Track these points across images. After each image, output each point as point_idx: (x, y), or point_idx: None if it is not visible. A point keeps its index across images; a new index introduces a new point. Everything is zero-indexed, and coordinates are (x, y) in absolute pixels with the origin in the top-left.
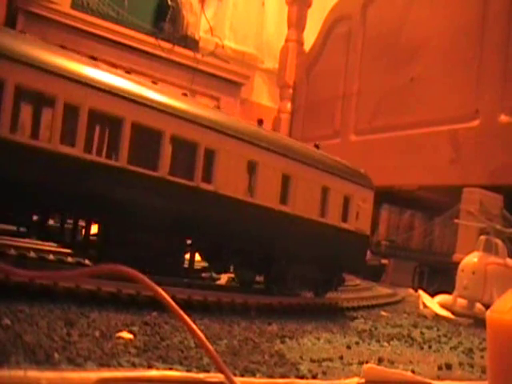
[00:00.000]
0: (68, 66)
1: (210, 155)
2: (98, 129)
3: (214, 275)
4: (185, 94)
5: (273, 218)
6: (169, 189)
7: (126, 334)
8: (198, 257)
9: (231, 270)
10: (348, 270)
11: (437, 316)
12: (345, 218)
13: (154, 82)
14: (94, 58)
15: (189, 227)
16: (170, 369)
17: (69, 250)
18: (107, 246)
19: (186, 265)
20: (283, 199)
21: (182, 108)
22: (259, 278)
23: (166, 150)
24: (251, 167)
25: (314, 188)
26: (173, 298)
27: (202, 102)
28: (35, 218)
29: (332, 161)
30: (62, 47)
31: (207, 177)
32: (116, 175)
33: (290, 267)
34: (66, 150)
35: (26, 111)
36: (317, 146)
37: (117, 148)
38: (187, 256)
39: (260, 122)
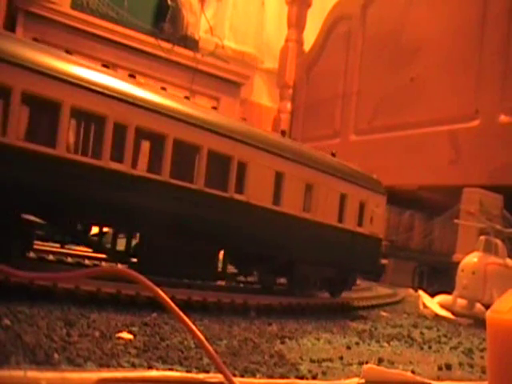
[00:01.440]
0: (117, 86)
1: (242, 167)
2: (142, 145)
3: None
4: (214, 108)
5: (296, 224)
6: (205, 200)
7: (125, 335)
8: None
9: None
10: (363, 272)
11: (437, 316)
12: (360, 223)
13: (187, 97)
14: (132, 76)
15: (223, 235)
16: (170, 369)
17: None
18: (148, 254)
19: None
20: (306, 207)
21: (218, 123)
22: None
23: (203, 163)
24: (278, 178)
25: (333, 195)
26: (172, 298)
27: (235, 118)
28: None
29: (349, 169)
30: (105, 66)
31: (239, 188)
32: (159, 189)
33: (310, 270)
34: (115, 166)
35: (81, 131)
36: (333, 155)
37: (160, 163)
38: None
39: (283, 133)
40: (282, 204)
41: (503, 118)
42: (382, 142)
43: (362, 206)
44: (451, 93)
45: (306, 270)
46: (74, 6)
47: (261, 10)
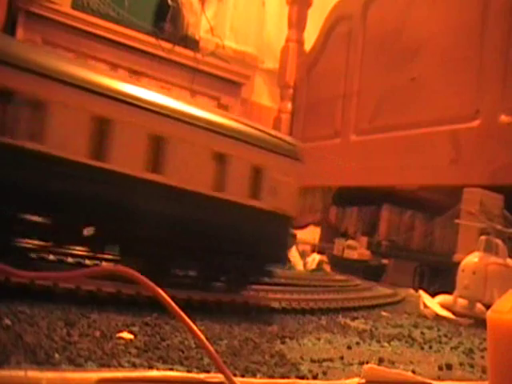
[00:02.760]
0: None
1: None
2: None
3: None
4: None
5: (138, 188)
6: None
7: (126, 335)
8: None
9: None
10: (267, 259)
11: (437, 316)
12: (255, 194)
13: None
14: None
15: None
16: (171, 369)
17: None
18: None
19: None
20: (154, 166)
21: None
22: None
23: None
24: (98, 125)
25: (201, 153)
26: (173, 298)
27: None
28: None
29: (235, 122)
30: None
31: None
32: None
33: (164, 253)
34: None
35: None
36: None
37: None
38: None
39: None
40: (110, 160)
41: (504, 118)
42: (383, 142)
43: (256, 172)
44: (452, 92)
45: (157, 253)
46: (74, 6)
47: (261, 10)
